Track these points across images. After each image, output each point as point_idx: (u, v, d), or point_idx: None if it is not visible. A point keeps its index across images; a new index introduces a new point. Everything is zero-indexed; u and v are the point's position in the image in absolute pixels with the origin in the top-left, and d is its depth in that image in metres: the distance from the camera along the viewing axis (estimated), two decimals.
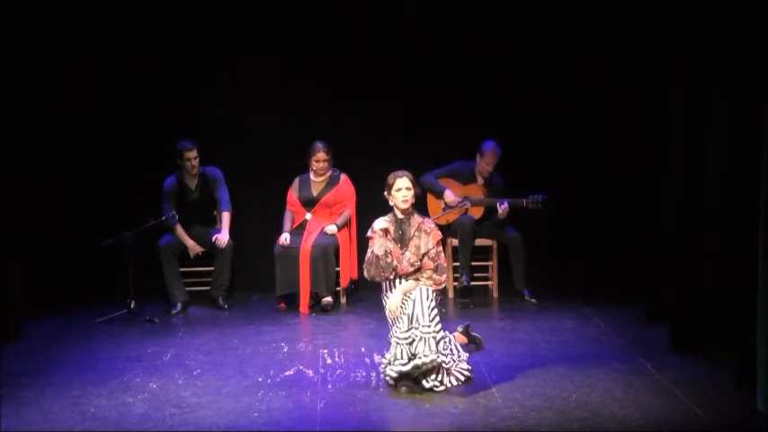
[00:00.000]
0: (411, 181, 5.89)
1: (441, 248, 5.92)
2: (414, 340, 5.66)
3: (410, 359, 5.66)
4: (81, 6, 8.12)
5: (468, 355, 6.03)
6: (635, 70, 7.86)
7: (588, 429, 5.06)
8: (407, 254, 5.86)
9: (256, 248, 8.31)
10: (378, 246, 5.85)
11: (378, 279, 5.93)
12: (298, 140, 8.14)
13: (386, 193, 5.94)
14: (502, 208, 7.93)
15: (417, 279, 5.85)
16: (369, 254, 5.92)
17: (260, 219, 8.44)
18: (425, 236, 5.89)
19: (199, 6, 8.33)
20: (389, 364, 5.74)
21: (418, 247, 5.87)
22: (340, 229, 8.00)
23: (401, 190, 5.86)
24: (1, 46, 7.02)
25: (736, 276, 5.86)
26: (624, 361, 6.23)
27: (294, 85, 8.45)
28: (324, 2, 8.38)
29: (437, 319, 5.70)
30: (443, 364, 5.71)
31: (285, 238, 7.93)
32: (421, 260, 5.86)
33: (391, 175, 5.91)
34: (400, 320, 5.72)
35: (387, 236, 5.88)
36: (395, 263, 5.85)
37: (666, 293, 6.78)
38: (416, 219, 5.94)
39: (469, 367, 5.87)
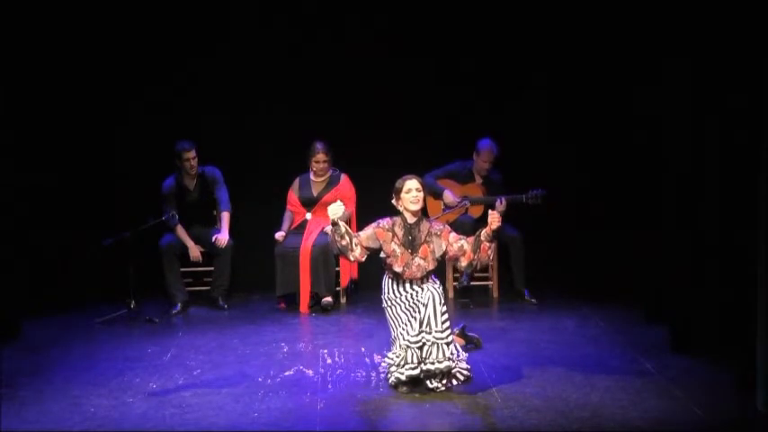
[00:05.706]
0: (420, 183, 5.89)
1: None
2: (424, 344, 5.65)
3: (419, 363, 5.66)
4: (80, 5, 8.12)
5: (467, 355, 6.02)
6: (634, 70, 7.85)
7: (588, 429, 5.06)
8: (417, 259, 5.86)
9: (256, 248, 8.30)
10: (366, 236, 5.84)
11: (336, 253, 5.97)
12: (298, 140, 8.14)
13: (393, 199, 5.91)
14: (497, 204, 7.92)
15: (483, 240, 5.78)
16: (331, 232, 5.85)
17: (260, 219, 8.43)
18: (437, 239, 5.88)
19: (200, 7, 8.33)
20: (397, 366, 5.70)
21: (434, 252, 5.87)
22: None
23: (411, 191, 5.84)
24: None
25: (736, 276, 5.86)
26: (624, 361, 6.23)
27: (294, 84, 8.46)
28: (324, 3, 8.38)
29: (448, 323, 5.69)
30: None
31: (280, 235, 7.93)
32: (437, 262, 5.87)
33: (399, 180, 5.89)
34: (409, 324, 5.72)
35: (394, 238, 5.88)
36: (356, 251, 5.81)
37: (666, 293, 6.77)
38: (425, 224, 5.93)
39: (469, 367, 5.85)
